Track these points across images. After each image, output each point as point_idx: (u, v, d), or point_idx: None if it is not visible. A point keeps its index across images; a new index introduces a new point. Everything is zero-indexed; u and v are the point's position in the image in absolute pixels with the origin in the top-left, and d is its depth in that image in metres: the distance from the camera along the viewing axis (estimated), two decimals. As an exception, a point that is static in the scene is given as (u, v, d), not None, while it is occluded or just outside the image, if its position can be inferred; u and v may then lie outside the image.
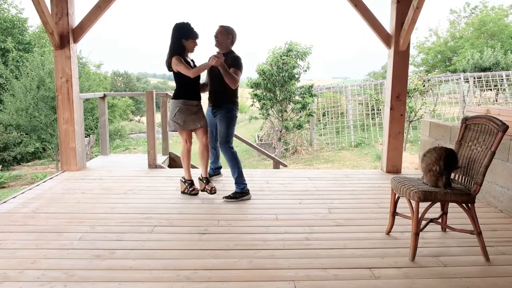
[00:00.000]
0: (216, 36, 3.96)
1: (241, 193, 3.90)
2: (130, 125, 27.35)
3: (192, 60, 3.98)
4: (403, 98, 4.95)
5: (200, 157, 4.03)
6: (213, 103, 4.07)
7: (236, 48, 4.04)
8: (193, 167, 6.04)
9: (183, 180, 4.11)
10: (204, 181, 4.01)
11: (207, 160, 4.03)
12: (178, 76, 3.82)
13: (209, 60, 3.68)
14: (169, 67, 3.83)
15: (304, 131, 13.52)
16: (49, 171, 12.92)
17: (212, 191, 3.93)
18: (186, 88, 3.87)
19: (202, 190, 4.05)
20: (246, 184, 3.96)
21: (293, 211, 3.60)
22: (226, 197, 3.89)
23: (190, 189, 4.05)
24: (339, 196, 4.07)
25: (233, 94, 3.99)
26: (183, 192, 4.10)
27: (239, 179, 3.93)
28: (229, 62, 3.84)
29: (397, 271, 2.47)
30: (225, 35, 3.94)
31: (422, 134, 5.30)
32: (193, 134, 4.06)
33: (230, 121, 3.98)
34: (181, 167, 5.31)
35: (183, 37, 3.79)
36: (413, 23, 4.54)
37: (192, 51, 3.92)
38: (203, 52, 4.04)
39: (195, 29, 3.85)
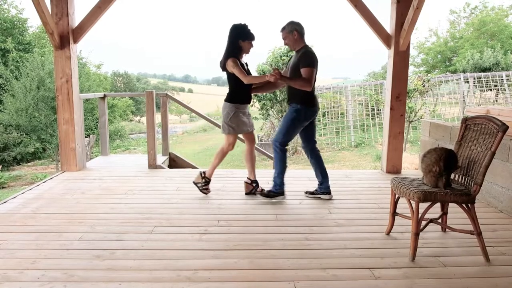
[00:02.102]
0: (285, 43, 3.80)
1: (274, 193, 3.86)
2: (130, 126, 27.36)
3: (246, 63, 3.97)
4: (403, 98, 4.95)
5: (247, 160, 4.08)
6: (287, 101, 3.88)
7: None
8: (193, 167, 6.05)
9: (203, 175, 4.07)
10: (254, 184, 4.05)
11: (253, 163, 4.08)
12: (233, 78, 3.80)
13: (267, 75, 3.63)
14: (223, 68, 3.82)
15: (304, 131, 13.49)
16: (49, 171, 12.92)
17: (263, 193, 3.93)
18: (241, 91, 3.86)
19: (247, 193, 4.06)
20: (282, 187, 3.85)
21: (293, 211, 3.60)
22: (261, 193, 3.89)
23: (204, 187, 4.04)
24: (339, 196, 4.07)
25: (304, 91, 3.67)
26: (195, 183, 4.07)
27: (276, 179, 3.85)
28: (299, 60, 3.66)
29: (397, 272, 2.47)
30: (290, 35, 3.71)
31: (422, 135, 5.30)
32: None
33: (291, 121, 3.75)
34: (181, 167, 5.34)
35: (240, 38, 3.80)
36: (413, 23, 4.54)
37: (247, 52, 3.91)
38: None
39: (252, 31, 3.85)
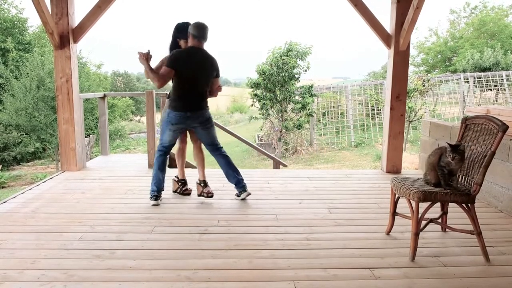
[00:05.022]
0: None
1: (150, 198, 3.76)
2: (130, 125, 27.32)
3: None
4: (403, 98, 4.95)
5: (195, 159, 4.04)
6: None
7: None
8: (193, 166, 6.04)
9: (176, 180, 4.09)
10: (202, 185, 3.92)
11: (203, 162, 3.98)
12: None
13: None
14: None
15: (304, 131, 13.51)
16: (49, 171, 12.91)
17: (209, 195, 3.83)
18: None
19: (199, 195, 3.92)
20: (154, 191, 3.73)
21: (293, 211, 3.60)
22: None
23: (183, 189, 4.05)
24: (339, 196, 4.07)
25: (172, 93, 3.71)
26: (174, 192, 4.08)
27: (151, 183, 3.78)
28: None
29: (397, 271, 2.47)
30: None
31: (422, 134, 5.30)
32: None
33: (163, 123, 3.73)
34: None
35: (178, 36, 3.81)
36: (413, 23, 4.54)
37: None
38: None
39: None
